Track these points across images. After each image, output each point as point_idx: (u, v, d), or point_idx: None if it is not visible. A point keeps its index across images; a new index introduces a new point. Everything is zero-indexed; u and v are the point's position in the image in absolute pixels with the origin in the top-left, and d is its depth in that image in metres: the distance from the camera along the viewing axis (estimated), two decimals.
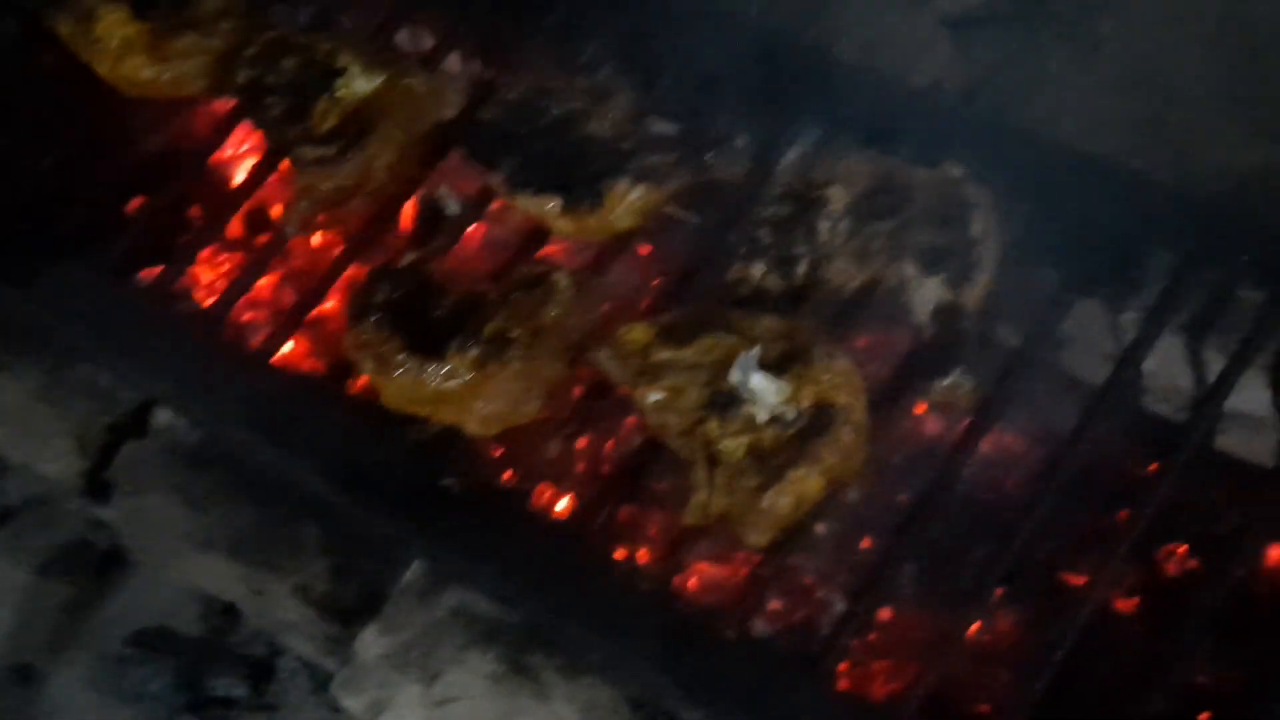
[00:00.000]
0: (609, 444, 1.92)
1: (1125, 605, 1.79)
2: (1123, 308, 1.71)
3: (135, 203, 2.08)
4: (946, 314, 1.58)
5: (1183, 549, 1.81)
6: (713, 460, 1.51)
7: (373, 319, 1.64)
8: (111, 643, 2.14)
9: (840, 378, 1.52)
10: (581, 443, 1.78)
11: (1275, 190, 1.72)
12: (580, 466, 1.86)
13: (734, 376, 1.52)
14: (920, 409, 1.83)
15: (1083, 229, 1.66)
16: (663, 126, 1.84)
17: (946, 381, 1.55)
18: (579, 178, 1.72)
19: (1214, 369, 1.65)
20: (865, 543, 1.82)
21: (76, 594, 2.16)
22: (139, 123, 2.02)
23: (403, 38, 2.06)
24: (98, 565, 2.16)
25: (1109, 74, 2.04)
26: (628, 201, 1.70)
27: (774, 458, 1.48)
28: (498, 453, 1.74)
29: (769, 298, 1.64)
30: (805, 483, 1.47)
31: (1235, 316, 1.64)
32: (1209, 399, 1.60)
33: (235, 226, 2.07)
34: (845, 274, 1.63)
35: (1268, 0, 2.09)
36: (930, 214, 1.62)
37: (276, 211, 2.08)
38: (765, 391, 1.50)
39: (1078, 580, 1.74)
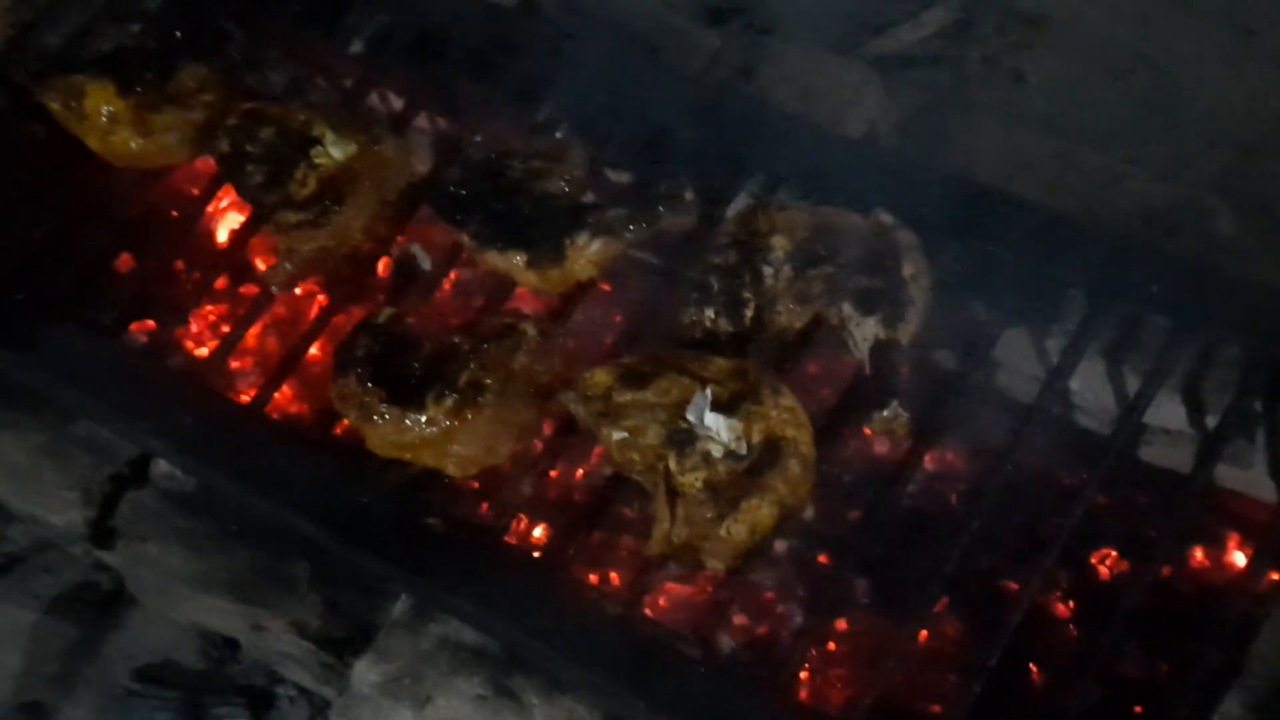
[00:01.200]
0: (578, 476, 2.06)
1: (1061, 608, 1.92)
2: (1046, 334, 1.85)
3: (125, 264, 2.19)
4: (883, 350, 1.71)
5: (1112, 553, 1.94)
6: (673, 493, 1.64)
7: (356, 372, 1.77)
8: (117, 678, 2.25)
9: (787, 413, 1.66)
10: (552, 476, 1.90)
11: (1178, 226, 1.86)
12: (552, 499, 1.99)
13: (690, 416, 1.65)
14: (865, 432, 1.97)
15: (1006, 265, 1.80)
16: (617, 178, 1.98)
17: (885, 413, 1.67)
18: (541, 233, 1.84)
19: (1132, 387, 1.79)
20: (820, 558, 1.95)
21: (82, 633, 2.26)
22: (124, 188, 2.12)
23: (372, 99, 2.18)
24: (101, 605, 2.27)
25: (1028, 113, 2.19)
26: (587, 254, 1.84)
27: (729, 490, 1.62)
28: (475, 491, 1.86)
29: (720, 339, 1.77)
30: (759, 511, 1.61)
31: (1148, 341, 1.77)
32: (1129, 414, 1.74)
33: (221, 282, 2.18)
34: (789, 315, 1.77)
35: (1173, 42, 2.24)
36: (865, 258, 1.75)
37: (259, 266, 2.19)
38: (719, 429, 1.64)
39: (1015, 586, 1.87)
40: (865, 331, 1.72)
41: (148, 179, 2.13)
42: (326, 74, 2.21)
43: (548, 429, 1.84)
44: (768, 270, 1.78)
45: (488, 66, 2.11)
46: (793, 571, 1.96)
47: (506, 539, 1.80)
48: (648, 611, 1.84)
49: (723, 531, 1.61)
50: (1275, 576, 1.75)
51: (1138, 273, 1.77)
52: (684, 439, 1.65)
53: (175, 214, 2.22)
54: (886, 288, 1.73)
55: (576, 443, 1.84)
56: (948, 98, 2.26)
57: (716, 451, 1.64)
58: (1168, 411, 1.82)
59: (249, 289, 2.26)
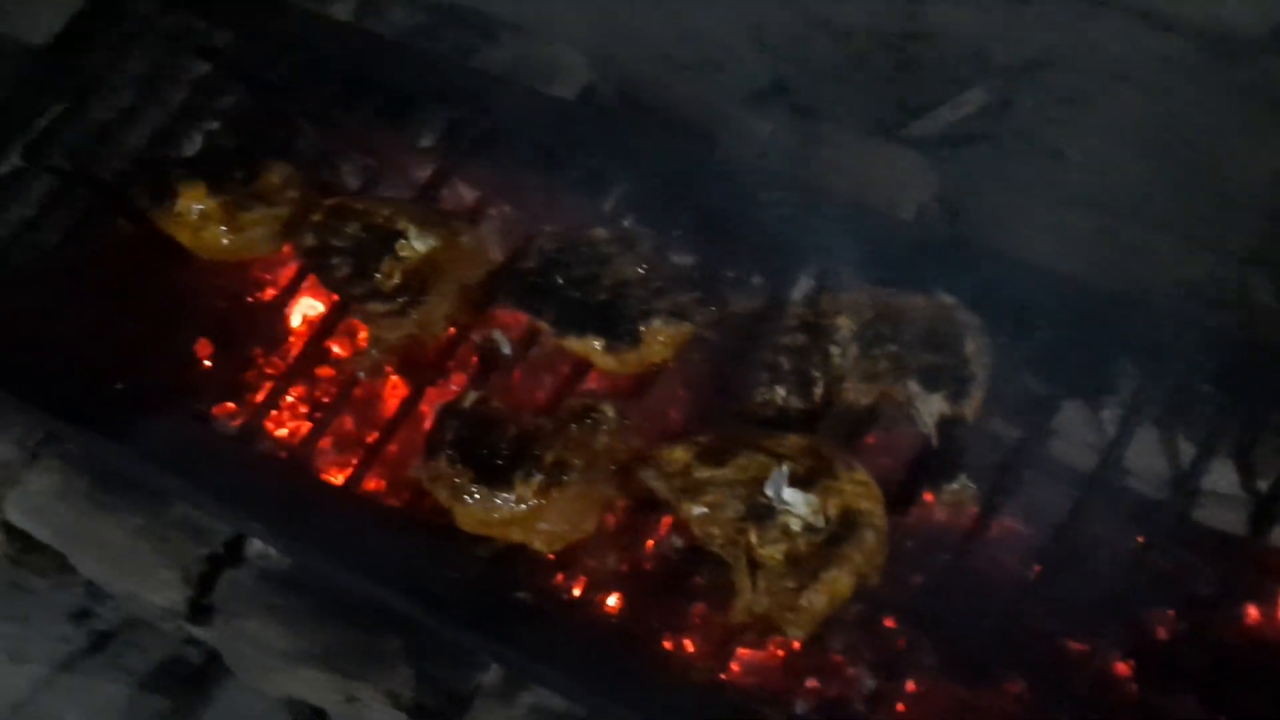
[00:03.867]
0: (650, 547, 2.14)
1: (1121, 667, 2.00)
2: (1100, 404, 1.94)
3: (213, 353, 2.29)
4: (948, 424, 1.81)
5: (1169, 612, 2.02)
6: (754, 565, 1.74)
7: (446, 454, 1.87)
8: None
9: (861, 487, 1.76)
10: (631, 550, 1.99)
11: (1218, 296, 1.96)
12: (631, 570, 2.07)
13: (768, 491, 1.75)
14: (929, 498, 2.06)
15: (1059, 340, 1.89)
16: (682, 261, 2.08)
17: (954, 485, 1.77)
18: (616, 318, 1.95)
19: (1184, 453, 1.89)
20: (887, 622, 2.03)
21: (174, 706, 2.35)
22: (210, 280, 2.23)
23: (444, 192, 2.28)
24: (192, 679, 2.35)
25: (1069, 189, 2.29)
26: (661, 338, 1.94)
27: (808, 561, 1.72)
28: (558, 563, 1.95)
29: (790, 417, 1.87)
30: (837, 582, 1.70)
31: (1198, 409, 1.87)
32: (1185, 479, 1.83)
33: (303, 368, 2.27)
34: (856, 393, 1.87)
35: (1204, 117, 2.34)
36: (928, 337, 1.85)
37: (338, 352, 2.29)
38: (797, 503, 1.73)
39: (1078, 647, 1.95)
40: (931, 408, 1.82)
41: (232, 270, 2.24)
42: (399, 168, 2.31)
43: (623, 504, 1.93)
44: (835, 350, 1.88)
45: (553, 158, 2.22)
46: (861, 635, 2.04)
47: (590, 609, 1.89)
48: (728, 678, 1.92)
49: (803, 601, 1.70)
50: None
51: (1184, 344, 1.86)
52: (763, 513, 1.74)
53: (258, 303, 2.32)
54: (950, 365, 1.83)
55: (652, 517, 1.93)
56: (990, 176, 2.36)
57: (795, 525, 1.73)
58: (1220, 476, 1.91)
59: (325, 371, 2.36)
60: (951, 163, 2.43)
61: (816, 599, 1.71)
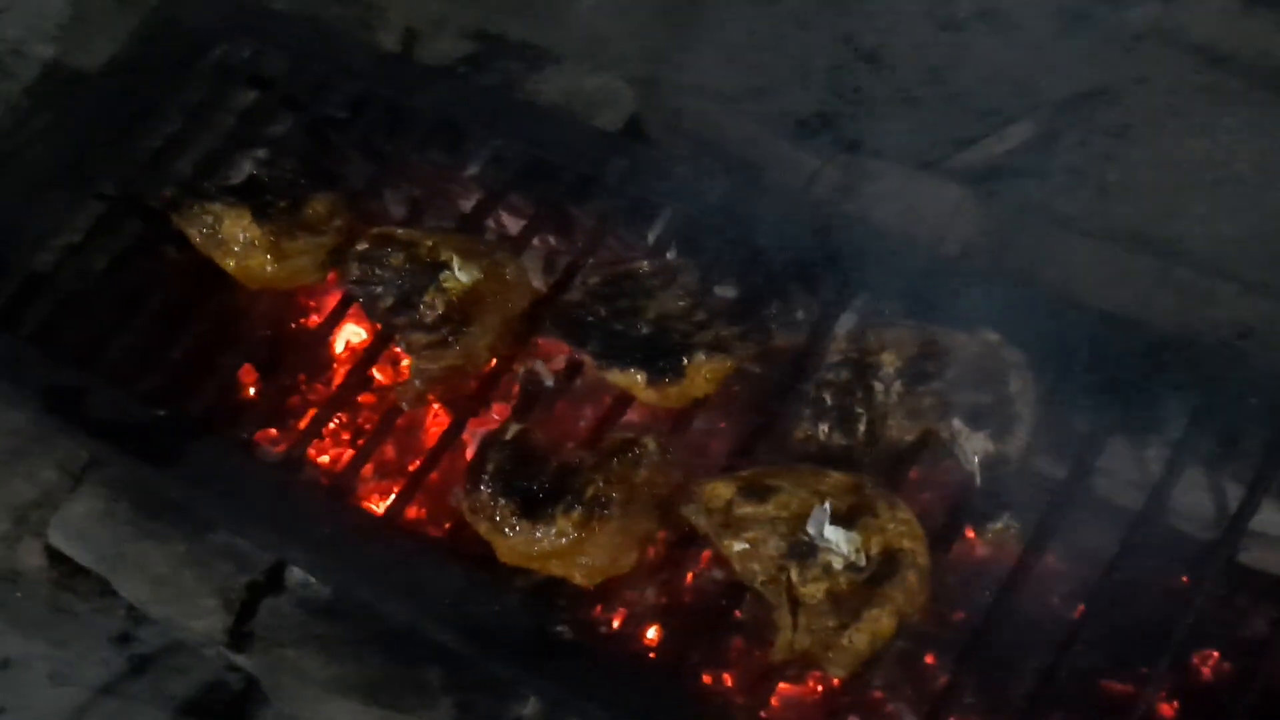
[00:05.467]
0: (689, 580, 2.14)
1: (1166, 709, 1.98)
2: (1146, 444, 1.92)
3: (257, 380, 2.31)
4: (992, 463, 1.80)
5: (1215, 654, 2.00)
6: (795, 603, 1.73)
7: (488, 486, 1.87)
8: None
9: (904, 526, 1.75)
10: (670, 584, 1.99)
11: (1269, 337, 1.94)
12: (671, 604, 2.07)
13: (810, 529, 1.74)
14: (970, 535, 2.05)
15: (1106, 378, 1.88)
16: (726, 294, 2.08)
17: (997, 525, 1.76)
18: (659, 352, 1.94)
19: (1230, 494, 1.87)
20: (929, 658, 2.02)
21: None
22: (255, 307, 2.24)
23: (489, 221, 2.29)
24: (232, 705, 2.36)
25: (1116, 225, 2.26)
26: (704, 372, 1.93)
27: (850, 600, 1.70)
28: (598, 596, 1.95)
29: (834, 453, 1.86)
30: (880, 621, 1.69)
31: (1245, 450, 1.85)
32: (1234, 520, 1.81)
33: (346, 397, 2.28)
34: (900, 430, 1.86)
35: (1251, 153, 2.32)
36: (972, 374, 1.84)
37: (381, 380, 2.30)
38: (839, 542, 1.72)
39: (1122, 688, 1.93)
40: (975, 446, 1.80)
41: (277, 298, 2.25)
42: (444, 198, 2.32)
43: (662, 537, 1.93)
44: (879, 386, 1.87)
45: (598, 189, 2.22)
46: (902, 672, 2.03)
47: (628, 643, 1.88)
48: (763, 715, 1.91)
49: (845, 641, 1.69)
50: None
51: (1234, 384, 1.85)
52: (805, 551, 1.73)
53: (302, 330, 2.34)
54: (995, 403, 1.81)
55: (692, 551, 1.93)
56: (1036, 210, 2.34)
57: (837, 563, 1.72)
58: (1266, 518, 1.89)
59: (367, 399, 2.37)
60: (998, 196, 2.41)
61: (859, 638, 1.69)
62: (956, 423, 1.81)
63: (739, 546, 1.78)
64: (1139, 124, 2.57)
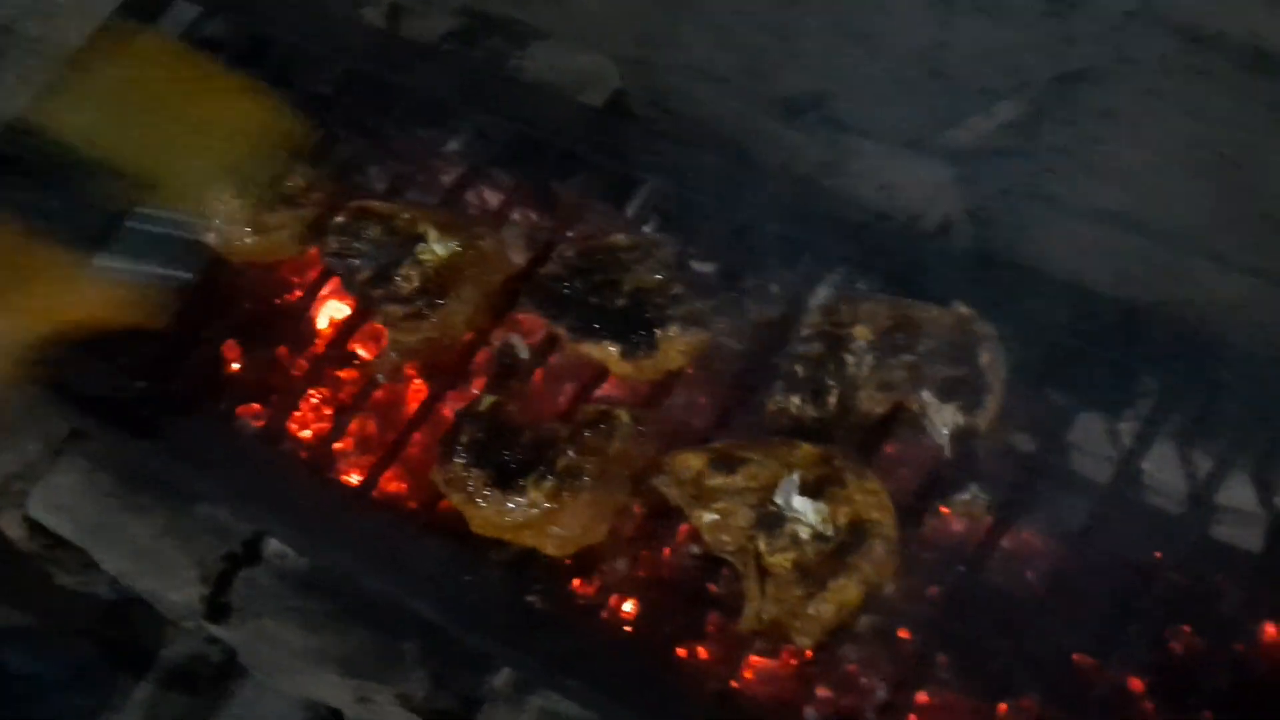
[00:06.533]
0: (665, 553, 2.14)
1: (1136, 683, 1.98)
2: (1119, 419, 1.92)
3: (237, 354, 2.31)
4: (963, 435, 1.80)
5: (1186, 628, 2.00)
6: (763, 573, 1.74)
7: (461, 457, 1.88)
8: None
9: (872, 497, 1.75)
10: (645, 555, 1.99)
11: (1250, 318, 1.94)
12: (645, 576, 2.07)
13: (778, 499, 1.74)
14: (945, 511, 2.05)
15: (1079, 353, 1.88)
16: (704, 269, 2.08)
17: (965, 496, 1.77)
18: (634, 325, 1.95)
19: (1204, 470, 1.87)
20: (902, 633, 2.02)
21: (193, 702, 2.37)
22: (235, 281, 2.25)
23: (470, 195, 2.30)
24: (212, 678, 2.38)
25: (1100, 205, 2.26)
26: (678, 345, 1.94)
27: (817, 570, 1.71)
28: (572, 569, 1.95)
29: (806, 425, 1.86)
30: (845, 591, 1.70)
31: (1218, 426, 1.85)
32: (1201, 496, 1.82)
33: (325, 370, 2.28)
34: (871, 402, 1.86)
35: (1238, 134, 2.31)
36: (944, 348, 1.84)
37: (365, 354, 2.30)
38: (806, 512, 1.73)
39: (1093, 662, 1.93)
40: (945, 418, 1.81)
41: (258, 271, 2.25)
42: (427, 172, 2.33)
43: (638, 510, 1.93)
44: (850, 359, 1.87)
45: (579, 163, 2.23)
46: (875, 646, 2.03)
47: (603, 614, 1.89)
48: (738, 686, 1.91)
49: (811, 610, 1.70)
50: None
51: (1210, 362, 1.85)
52: (773, 521, 1.74)
53: (284, 304, 2.34)
54: (966, 376, 1.82)
55: (667, 523, 1.93)
56: (1021, 189, 2.33)
57: (804, 533, 1.73)
58: (1238, 492, 1.89)
59: (347, 373, 2.37)
60: (983, 174, 2.40)
61: (824, 608, 1.70)
62: (927, 395, 1.82)
63: (709, 517, 1.79)
64: (1125, 104, 2.56)
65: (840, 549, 1.72)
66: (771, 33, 2.84)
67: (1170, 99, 2.55)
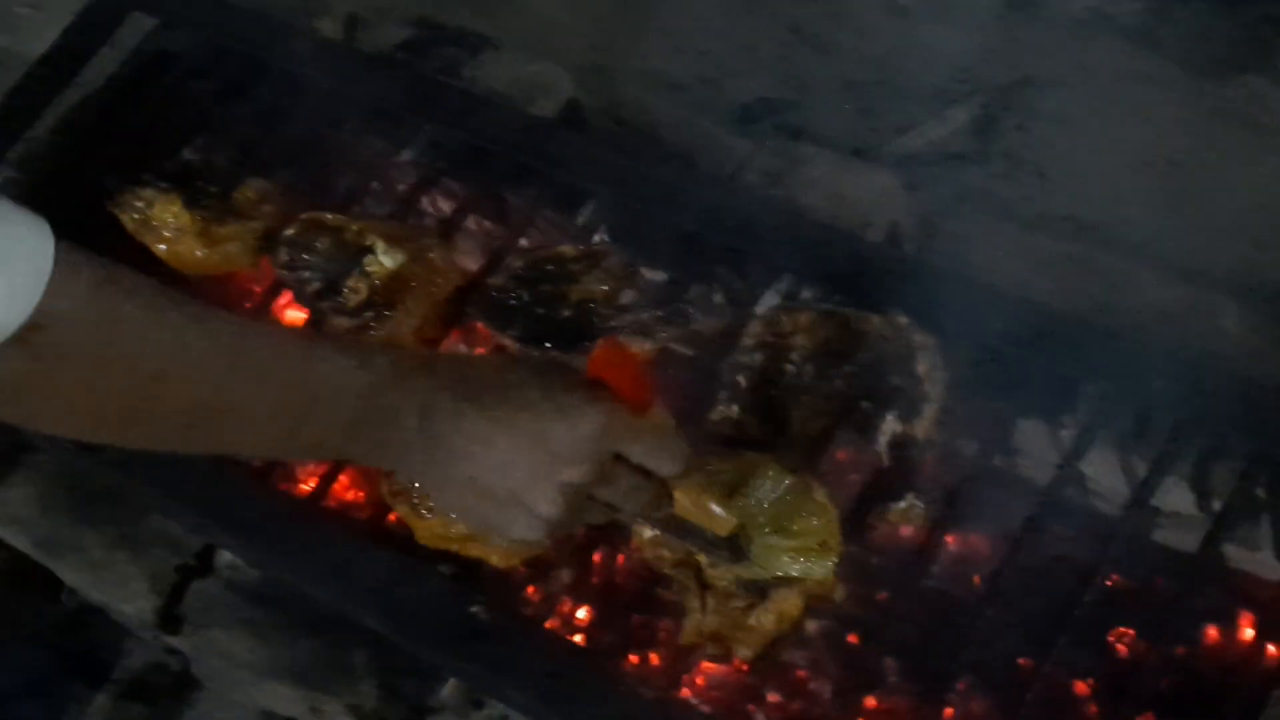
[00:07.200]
0: (619, 561, 2.16)
1: (1081, 686, 2.00)
2: (1060, 426, 1.94)
3: None
4: (901, 444, 1.82)
5: (1129, 631, 2.02)
6: (703, 586, 1.75)
7: None
8: None
9: (816, 507, 1.76)
10: (591, 563, 2.00)
11: (1186, 325, 1.95)
12: (593, 584, 2.09)
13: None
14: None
15: (1019, 362, 1.89)
16: (653, 277, 2.09)
17: (901, 505, 1.78)
18: (579, 335, 1.96)
19: (1141, 473, 1.89)
20: (850, 638, 2.04)
21: (151, 714, 2.38)
22: (194, 293, 2.24)
23: (423, 204, 2.31)
24: (170, 689, 2.39)
25: (1050, 211, 2.27)
26: None
27: (758, 581, 1.72)
28: (519, 579, 1.97)
29: (749, 435, 1.87)
30: (786, 602, 1.71)
31: (1158, 434, 1.87)
32: (1138, 499, 1.83)
33: None
34: (812, 411, 1.87)
35: (1190, 141, 2.32)
36: (883, 357, 1.86)
37: None
38: None
39: (1034, 664, 1.95)
40: (883, 427, 1.82)
41: (213, 284, 2.26)
42: (381, 183, 2.34)
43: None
44: (791, 369, 1.89)
45: (530, 174, 2.24)
46: (823, 651, 2.05)
47: (548, 624, 1.90)
48: (686, 692, 1.93)
49: (751, 621, 1.71)
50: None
51: (1147, 369, 1.86)
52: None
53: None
54: (903, 385, 1.83)
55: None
56: (970, 196, 2.35)
57: None
58: (1178, 497, 1.91)
59: None
60: (932, 181, 2.41)
61: (765, 619, 1.72)
62: (865, 404, 1.83)
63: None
64: (1079, 111, 2.58)
65: None
66: (729, 40, 2.85)
67: (1123, 105, 2.56)
